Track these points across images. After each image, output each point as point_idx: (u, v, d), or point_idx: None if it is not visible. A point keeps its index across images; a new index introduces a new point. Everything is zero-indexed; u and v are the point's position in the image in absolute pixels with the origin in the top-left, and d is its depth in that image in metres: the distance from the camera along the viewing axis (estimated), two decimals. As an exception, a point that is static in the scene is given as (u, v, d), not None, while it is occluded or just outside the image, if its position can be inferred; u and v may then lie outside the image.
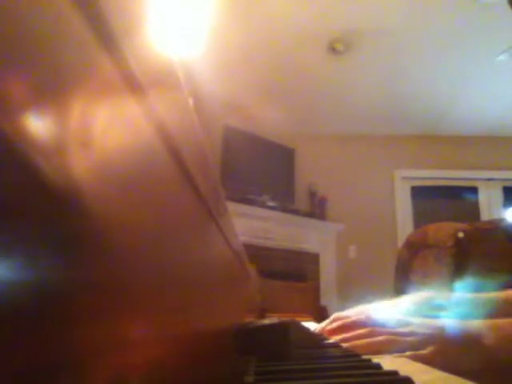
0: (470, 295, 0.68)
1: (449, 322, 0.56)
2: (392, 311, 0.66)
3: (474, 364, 0.41)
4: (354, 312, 0.71)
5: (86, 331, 0.10)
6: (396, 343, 0.51)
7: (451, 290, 1.14)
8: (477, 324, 0.49)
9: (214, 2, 2.41)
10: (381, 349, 0.51)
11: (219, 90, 3.13)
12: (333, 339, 0.63)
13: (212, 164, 0.31)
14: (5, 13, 0.08)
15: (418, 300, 0.66)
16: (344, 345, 0.56)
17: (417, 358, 0.47)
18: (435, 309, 0.63)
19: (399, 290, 1.63)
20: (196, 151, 0.24)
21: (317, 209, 3.67)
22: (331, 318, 0.75)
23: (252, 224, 3.13)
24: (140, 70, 0.14)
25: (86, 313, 0.10)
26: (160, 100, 0.17)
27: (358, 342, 0.54)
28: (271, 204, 3.35)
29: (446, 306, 0.63)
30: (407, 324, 0.57)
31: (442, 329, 0.51)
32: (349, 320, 0.64)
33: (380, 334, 0.54)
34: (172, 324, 0.19)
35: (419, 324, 0.56)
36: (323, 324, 0.76)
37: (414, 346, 0.49)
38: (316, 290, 3.17)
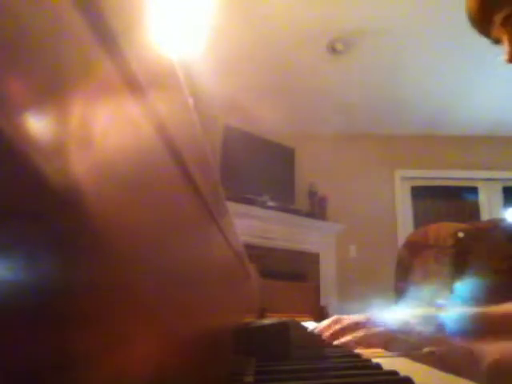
0: (468, 311, 0.68)
1: (452, 331, 0.56)
2: (392, 317, 0.66)
3: (473, 378, 0.41)
4: (355, 317, 0.71)
5: (86, 331, 0.10)
6: (394, 338, 0.51)
7: (451, 290, 1.14)
8: (482, 345, 0.48)
9: (213, 1, 2.41)
10: (378, 342, 0.51)
11: (219, 89, 3.13)
12: (332, 338, 0.63)
13: (212, 164, 0.31)
14: (5, 13, 0.08)
15: (418, 315, 0.66)
16: (343, 339, 0.56)
17: (415, 358, 0.47)
18: (434, 323, 0.64)
19: (399, 289, 1.62)
20: (196, 151, 0.24)
21: (317, 209, 3.67)
22: (331, 319, 0.75)
23: (252, 224, 3.12)
24: (140, 70, 0.14)
25: (85, 312, 0.10)
26: (160, 100, 0.17)
27: (355, 334, 0.54)
28: (271, 204, 3.35)
29: (445, 321, 0.63)
30: (407, 324, 0.57)
31: (444, 338, 0.51)
32: (350, 322, 0.64)
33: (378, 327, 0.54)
34: (172, 324, 0.19)
35: (420, 325, 0.56)
36: (323, 324, 0.76)
37: (413, 345, 0.49)
38: (316, 290, 3.17)
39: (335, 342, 0.61)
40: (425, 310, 0.69)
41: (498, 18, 0.67)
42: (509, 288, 0.67)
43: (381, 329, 0.52)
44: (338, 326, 0.60)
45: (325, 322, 0.75)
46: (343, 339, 0.56)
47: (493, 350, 0.46)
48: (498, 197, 3.97)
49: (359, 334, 0.53)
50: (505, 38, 0.69)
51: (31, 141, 0.08)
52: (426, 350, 0.48)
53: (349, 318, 0.71)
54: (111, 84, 0.13)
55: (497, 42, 0.71)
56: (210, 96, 3.06)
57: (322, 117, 3.77)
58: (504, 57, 0.69)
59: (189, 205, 0.23)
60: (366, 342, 0.51)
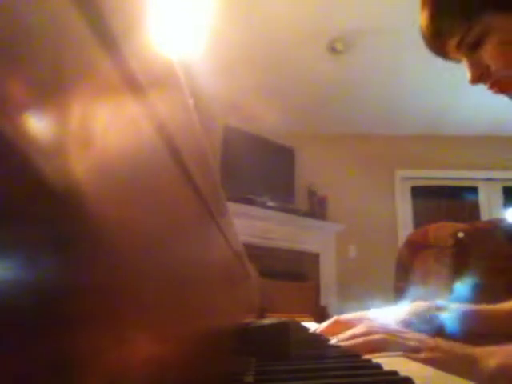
0: (467, 307, 0.68)
1: (451, 331, 0.56)
2: (391, 317, 0.66)
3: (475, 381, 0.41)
4: (355, 316, 0.71)
5: (86, 331, 0.10)
6: (393, 343, 0.51)
7: (451, 290, 1.14)
8: (480, 349, 0.48)
9: (214, 1, 2.41)
10: (377, 348, 0.51)
11: (219, 89, 3.13)
12: (331, 338, 0.63)
13: (212, 164, 0.31)
14: (5, 13, 0.08)
15: (416, 311, 0.67)
16: (342, 344, 0.56)
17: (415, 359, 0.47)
18: (432, 320, 0.64)
19: (399, 289, 1.63)
20: (196, 151, 0.24)
21: (317, 209, 3.67)
22: (331, 320, 0.75)
23: (252, 224, 3.13)
24: (140, 70, 0.14)
25: (85, 313, 0.10)
26: (160, 100, 0.17)
27: (354, 341, 0.54)
28: (271, 204, 3.35)
29: (443, 318, 0.63)
30: (407, 325, 0.57)
31: (440, 341, 0.51)
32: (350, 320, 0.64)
33: (377, 332, 0.54)
34: (172, 324, 0.19)
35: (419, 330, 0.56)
36: (324, 325, 0.76)
37: (412, 349, 0.49)
38: (316, 289, 3.17)
39: (334, 337, 0.61)
40: (424, 306, 0.69)
41: (452, 44, 0.69)
42: (509, 288, 0.68)
43: (379, 335, 0.52)
44: (348, 334, 0.59)
45: (326, 323, 0.75)
46: (345, 343, 0.56)
47: (495, 353, 0.46)
48: (498, 197, 3.97)
49: (359, 340, 0.54)
50: (464, 61, 0.71)
51: (31, 141, 0.08)
52: (423, 355, 0.48)
53: (347, 318, 0.71)
54: (111, 84, 0.13)
55: (457, 61, 0.73)
56: (209, 96, 3.06)
57: (322, 117, 3.77)
58: (467, 78, 0.71)
59: (189, 205, 0.23)
60: (366, 349, 0.51)
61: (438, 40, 0.70)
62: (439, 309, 0.66)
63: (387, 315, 0.67)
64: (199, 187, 0.24)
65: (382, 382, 0.35)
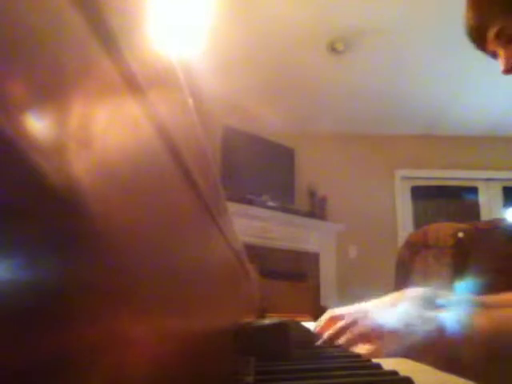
0: (470, 296, 0.68)
1: (448, 315, 0.56)
2: (390, 310, 0.66)
3: (475, 354, 0.41)
4: (352, 310, 0.70)
5: (86, 331, 0.10)
6: (390, 342, 0.51)
7: (451, 289, 1.14)
8: (477, 318, 0.49)
9: (214, 1, 2.41)
10: (364, 337, 0.51)
11: (219, 89, 3.13)
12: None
13: (212, 164, 0.31)
14: (5, 13, 0.08)
15: (417, 298, 0.66)
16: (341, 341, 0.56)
17: (416, 351, 0.47)
18: (435, 308, 0.63)
19: (400, 289, 1.63)
20: (196, 151, 0.24)
21: (317, 209, 3.67)
22: (326, 315, 0.74)
23: (252, 224, 3.13)
24: (140, 70, 0.14)
25: (85, 313, 0.10)
26: (160, 100, 0.17)
27: (344, 339, 0.54)
28: (271, 204, 3.35)
29: (446, 305, 0.62)
30: (406, 322, 0.57)
31: (440, 321, 0.51)
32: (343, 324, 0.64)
33: (356, 322, 0.54)
34: (172, 324, 0.19)
35: (417, 318, 0.56)
36: (320, 322, 0.76)
37: (412, 339, 0.49)
38: (316, 290, 3.17)
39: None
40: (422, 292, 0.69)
41: (492, 33, 0.73)
42: (509, 288, 0.67)
43: (360, 327, 0.53)
44: (337, 326, 0.60)
45: (322, 320, 0.75)
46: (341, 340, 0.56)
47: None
48: (498, 197, 3.97)
49: (343, 338, 0.54)
50: (499, 50, 0.75)
51: (31, 141, 0.08)
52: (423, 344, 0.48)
53: (341, 312, 0.71)
54: (111, 84, 0.13)
55: (494, 56, 0.78)
56: (209, 96, 3.06)
57: (322, 117, 3.77)
58: (500, 68, 0.75)
59: (189, 205, 0.23)
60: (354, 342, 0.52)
61: (478, 29, 0.74)
62: (439, 310, 0.66)
63: (382, 307, 0.67)
64: (199, 187, 0.24)
65: (381, 382, 0.35)
